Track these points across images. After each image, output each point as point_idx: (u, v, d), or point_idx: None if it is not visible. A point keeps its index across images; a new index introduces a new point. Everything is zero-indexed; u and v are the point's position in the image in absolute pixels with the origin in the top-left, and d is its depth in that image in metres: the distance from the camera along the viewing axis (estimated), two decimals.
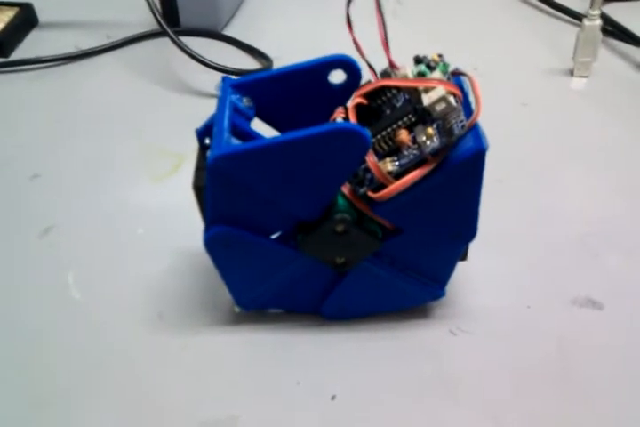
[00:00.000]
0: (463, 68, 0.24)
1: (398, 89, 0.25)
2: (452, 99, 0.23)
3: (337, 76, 0.28)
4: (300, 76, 0.27)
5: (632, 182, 0.37)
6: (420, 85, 0.24)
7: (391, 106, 0.25)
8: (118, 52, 0.48)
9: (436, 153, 0.23)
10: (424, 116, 0.24)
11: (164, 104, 0.44)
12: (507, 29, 0.51)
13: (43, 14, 0.51)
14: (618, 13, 0.48)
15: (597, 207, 0.36)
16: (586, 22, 0.43)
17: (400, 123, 0.24)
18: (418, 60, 0.26)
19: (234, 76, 0.28)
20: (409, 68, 0.25)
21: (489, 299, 0.31)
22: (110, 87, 0.45)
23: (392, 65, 0.26)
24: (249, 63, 0.47)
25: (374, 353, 0.29)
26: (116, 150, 0.40)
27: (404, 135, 0.24)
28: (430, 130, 0.23)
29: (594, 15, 0.42)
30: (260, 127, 0.28)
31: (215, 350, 0.29)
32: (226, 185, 0.24)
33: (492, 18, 0.52)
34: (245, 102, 0.27)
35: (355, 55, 0.27)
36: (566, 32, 0.48)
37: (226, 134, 0.25)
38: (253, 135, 0.27)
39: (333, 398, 0.27)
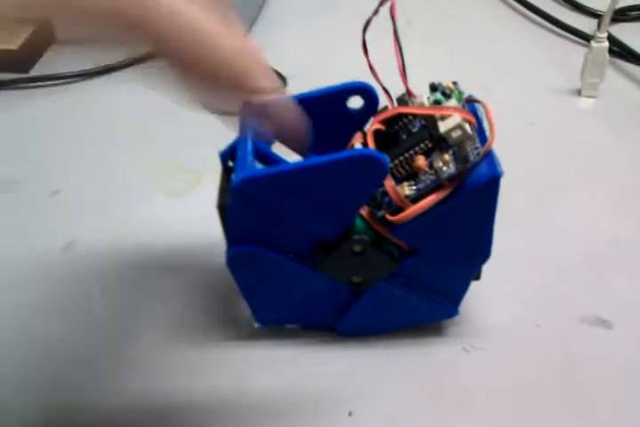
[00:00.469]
0: (474, 91, 0.25)
1: (414, 115, 0.26)
2: (467, 126, 0.24)
3: (355, 102, 0.29)
4: (320, 102, 0.28)
5: (639, 200, 0.38)
6: (437, 113, 0.25)
7: (407, 131, 0.26)
8: (138, 67, 0.49)
9: (452, 179, 0.24)
10: (440, 142, 0.25)
11: (182, 121, 0.44)
12: (515, 49, 0.52)
13: (61, 30, 0.52)
14: (625, 34, 0.49)
15: (605, 226, 0.36)
16: (593, 44, 0.44)
17: (417, 149, 0.25)
18: (433, 88, 0.27)
19: None
20: (425, 96, 0.26)
21: (500, 317, 0.31)
22: (129, 103, 0.46)
23: (409, 93, 0.26)
24: None
25: (390, 370, 0.29)
26: (135, 166, 0.41)
27: (421, 161, 0.25)
28: (447, 156, 0.24)
29: (601, 37, 0.43)
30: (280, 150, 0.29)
31: (234, 365, 0.30)
32: (249, 206, 0.25)
33: (501, 38, 0.53)
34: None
35: (369, 78, 0.28)
36: (575, 52, 0.49)
37: (250, 158, 0.26)
38: (274, 158, 0.28)
39: (350, 414, 0.28)
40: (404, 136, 0.26)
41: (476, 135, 0.25)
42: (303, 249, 0.27)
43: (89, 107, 0.46)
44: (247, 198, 0.25)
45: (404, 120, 0.27)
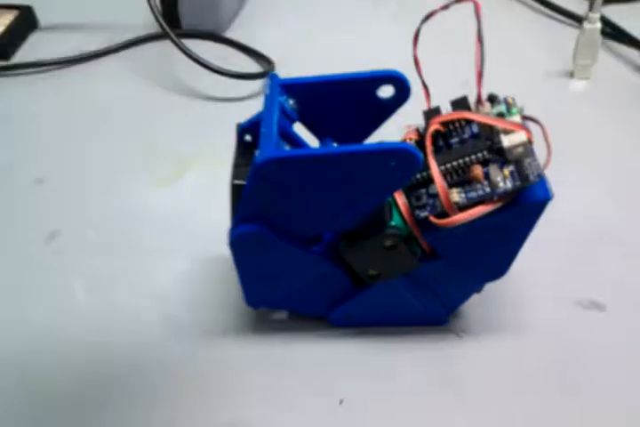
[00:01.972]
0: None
1: (467, 121, 0.25)
2: (530, 146, 0.24)
3: (385, 91, 0.28)
4: (349, 86, 0.28)
5: (633, 183, 0.37)
6: (502, 126, 0.24)
7: (458, 136, 0.26)
8: (120, 54, 0.48)
9: (505, 194, 0.24)
10: (497, 155, 0.24)
11: (167, 107, 0.44)
12: (507, 32, 0.51)
13: (43, 17, 0.51)
14: (617, 15, 0.48)
15: (599, 209, 0.36)
16: (586, 25, 0.43)
17: (473, 157, 0.25)
18: (492, 99, 0.26)
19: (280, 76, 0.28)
20: (489, 106, 0.26)
21: (493, 301, 0.31)
22: (112, 90, 0.45)
23: (480, 100, 0.26)
24: (250, 66, 0.47)
25: (381, 357, 0.29)
26: (120, 154, 0.40)
27: (478, 170, 0.24)
28: (506, 172, 0.24)
29: (593, 18, 0.43)
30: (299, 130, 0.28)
31: (223, 355, 0.29)
32: (268, 187, 0.24)
33: (493, 20, 0.52)
34: (292, 104, 0.27)
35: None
36: (567, 34, 0.48)
37: (275, 137, 0.25)
38: (296, 139, 0.27)
39: (341, 401, 0.27)
40: (453, 140, 0.25)
41: (536, 155, 0.24)
42: (311, 235, 0.27)
43: (72, 94, 0.45)
44: (268, 178, 0.23)
45: (457, 124, 0.26)
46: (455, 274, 0.27)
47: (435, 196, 0.25)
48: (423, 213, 0.25)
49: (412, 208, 0.25)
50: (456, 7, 0.29)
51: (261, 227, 0.25)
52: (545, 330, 0.30)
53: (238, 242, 0.26)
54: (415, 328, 0.30)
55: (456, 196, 0.24)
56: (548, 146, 0.24)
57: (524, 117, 0.26)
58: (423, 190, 0.25)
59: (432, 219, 0.25)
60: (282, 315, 0.31)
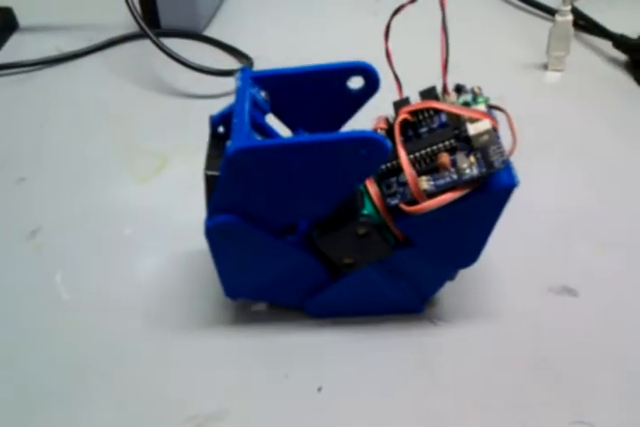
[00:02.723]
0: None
1: (436, 111, 0.26)
2: (494, 133, 0.25)
3: (354, 82, 0.29)
4: (319, 78, 0.28)
5: (606, 173, 0.38)
6: (467, 115, 0.25)
7: (427, 126, 0.26)
8: (100, 54, 0.49)
9: (471, 181, 0.25)
10: (464, 143, 0.25)
11: (147, 105, 0.44)
12: (481, 25, 0.52)
13: (23, 18, 0.51)
14: (589, 8, 0.49)
15: (572, 198, 0.37)
16: (558, 17, 0.44)
17: (441, 146, 0.25)
18: (459, 89, 0.27)
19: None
20: (455, 95, 0.26)
21: (467, 288, 0.31)
22: (93, 89, 0.46)
23: (446, 90, 0.26)
24: (230, 63, 0.48)
25: (358, 344, 0.30)
26: (101, 152, 0.40)
27: (445, 158, 0.25)
28: (472, 159, 0.25)
29: (565, 10, 0.43)
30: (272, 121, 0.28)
31: (204, 347, 0.30)
32: (240, 177, 0.24)
33: (467, 14, 0.53)
34: (263, 96, 0.28)
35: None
36: (540, 27, 0.49)
37: (247, 127, 0.25)
38: (268, 130, 0.28)
39: (320, 389, 0.28)
40: (423, 129, 0.26)
41: (501, 143, 0.25)
42: (285, 226, 0.27)
43: (53, 94, 0.45)
44: (240, 168, 0.24)
45: (425, 114, 0.26)
46: (428, 261, 0.28)
47: (404, 184, 0.25)
48: (394, 201, 0.25)
49: (384, 196, 0.26)
50: (429, 1, 0.30)
51: (235, 217, 0.26)
52: (518, 316, 0.30)
53: (213, 232, 0.26)
54: (391, 317, 0.30)
55: (425, 183, 0.25)
56: (514, 133, 0.25)
57: (490, 106, 0.26)
58: (394, 179, 0.26)
59: (402, 206, 0.25)
60: (261, 306, 0.31)
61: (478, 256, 0.28)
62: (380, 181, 0.26)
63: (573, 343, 0.29)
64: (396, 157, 0.25)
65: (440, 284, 0.30)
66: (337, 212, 0.26)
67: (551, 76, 0.46)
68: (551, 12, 0.50)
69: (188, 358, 0.29)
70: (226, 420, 0.27)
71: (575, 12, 0.46)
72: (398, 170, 0.26)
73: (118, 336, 0.30)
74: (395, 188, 0.26)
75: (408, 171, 0.25)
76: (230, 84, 0.46)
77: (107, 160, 0.40)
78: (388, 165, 0.26)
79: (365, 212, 0.26)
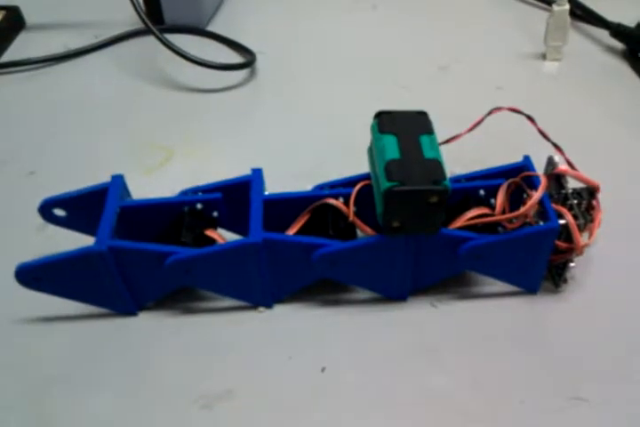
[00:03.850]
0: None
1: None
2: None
3: None
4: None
5: (604, 161, 0.39)
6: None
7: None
8: (106, 50, 0.50)
9: None
10: None
11: (152, 99, 0.45)
12: (479, 16, 0.53)
13: (30, 16, 0.52)
14: None
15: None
16: (555, 7, 0.44)
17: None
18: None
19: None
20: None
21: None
22: (99, 85, 0.47)
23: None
24: (233, 58, 0.49)
25: (360, 327, 0.30)
26: (108, 146, 0.41)
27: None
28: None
29: (562, 0, 0.44)
30: None
31: (209, 329, 0.31)
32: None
33: (466, 6, 0.54)
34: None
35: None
36: (537, 17, 0.50)
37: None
38: None
39: (323, 369, 0.29)
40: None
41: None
42: None
43: (60, 90, 0.46)
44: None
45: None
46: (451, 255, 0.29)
47: None
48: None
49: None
50: None
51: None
52: (515, 299, 0.31)
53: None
54: (392, 300, 0.31)
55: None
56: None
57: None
58: None
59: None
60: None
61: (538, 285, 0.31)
62: None
63: (566, 325, 0.30)
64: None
65: (441, 278, 0.31)
66: (418, 174, 0.26)
67: (549, 66, 0.47)
68: (548, 2, 0.50)
69: (194, 341, 0.30)
70: (232, 400, 0.28)
71: (572, 1, 0.47)
72: None
73: (126, 319, 0.31)
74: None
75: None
76: (233, 77, 0.47)
77: (113, 153, 0.41)
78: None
79: (446, 184, 0.26)
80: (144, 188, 0.38)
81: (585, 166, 0.39)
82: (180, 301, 0.32)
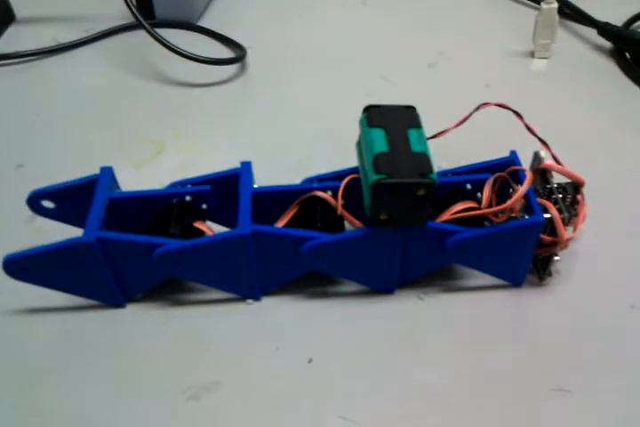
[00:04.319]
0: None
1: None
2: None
3: None
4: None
5: (591, 157, 0.39)
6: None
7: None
8: (96, 44, 0.50)
9: None
10: None
11: (142, 94, 0.45)
12: (469, 14, 0.53)
13: (19, 10, 0.52)
14: None
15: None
16: (543, 6, 0.45)
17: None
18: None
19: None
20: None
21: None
22: (89, 79, 0.46)
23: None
24: (224, 53, 0.49)
25: (347, 319, 0.31)
26: (98, 139, 0.41)
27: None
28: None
29: None
30: None
31: (197, 321, 0.31)
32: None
33: (455, 4, 0.54)
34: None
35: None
36: (526, 15, 0.50)
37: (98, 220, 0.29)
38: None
39: (310, 360, 0.29)
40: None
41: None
42: None
43: (50, 84, 0.46)
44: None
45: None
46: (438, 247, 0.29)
47: None
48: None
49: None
50: None
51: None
52: (500, 291, 0.32)
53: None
54: (379, 292, 0.32)
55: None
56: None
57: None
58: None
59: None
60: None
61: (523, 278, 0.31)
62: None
63: (554, 316, 0.31)
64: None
65: (428, 271, 0.31)
66: (406, 167, 0.27)
67: (537, 64, 0.47)
68: (537, 0, 0.51)
69: (182, 332, 0.30)
70: (219, 390, 0.28)
71: (561, 0, 0.47)
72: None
73: (115, 310, 0.31)
74: None
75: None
76: (224, 72, 0.47)
77: (103, 147, 0.41)
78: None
79: (433, 177, 0.27)
80: (134, 181, 0.38)
81: (571, 162, 0.39)
82: (169, 293, 0.32)
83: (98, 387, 0.28)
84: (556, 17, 0.45)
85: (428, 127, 0.30)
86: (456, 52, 0.48)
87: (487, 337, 0.30)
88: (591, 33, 0.49)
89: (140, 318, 0.31)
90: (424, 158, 0.27)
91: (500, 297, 0.31)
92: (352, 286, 0.32)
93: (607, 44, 0.48)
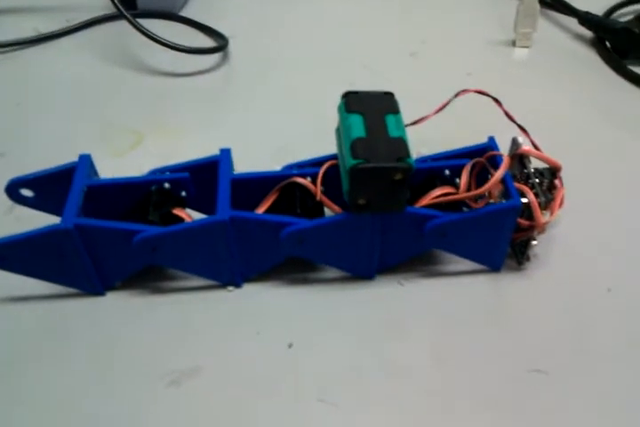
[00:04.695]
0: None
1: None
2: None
3: None
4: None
5: (570, 145, 0.39)
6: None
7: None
8: (78, 35, 0.50)
9: None
10: None
11: (124, 84, 0.45)
12: (451, 3, 0.53)
13: (0, 0, 0.52)
14: None
15: None
16: None
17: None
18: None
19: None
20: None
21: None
22: (70, 69, 0.46)
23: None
24: (206, 43, 0.49)
25: (328, 304, 0.31)
26: (78, 129, 0.41)
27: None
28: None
29: None
30: None
31: (177, 308, 0.31)
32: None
33: None
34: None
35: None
36: (507, 4, 0.50)
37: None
38: None
39: (290, 345, 0.29)
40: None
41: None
42: None
43: (31, 74, 0.46)
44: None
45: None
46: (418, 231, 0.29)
47: None
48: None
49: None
50: None
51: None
52: (476, 275, 0.32)
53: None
54: (359, 278, 0.32)
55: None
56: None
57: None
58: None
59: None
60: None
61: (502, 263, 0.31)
62: None
63: (532, 300, 0.31)
64: None
65: (408, 256, 0.31)
66: (383, 152, 0.27)
67: (519, 53, 0.47)
68: None
69: (163, 318, 0.30)
70: (200, 375, 0.28)
71: None
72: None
73: (96, 298, 0.31)
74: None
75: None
76: (206, 62, 0.47)
77: (84, 136, 0.41)
78: None
79: (410, 161, 0.27)
80: (114, 170, 0.38)
81: (551, 149, 0.39)
82: (149, 280, 0.32)
83: (79, 374, 0.28)
84: (538, 6, 0.45)
85: (410, 115, 0.30)
86: (438, 41, 0.49)
87: (466, 321, 0.30)
88: (572, 22, 0.49)
89: (119, 306, 0.31)
90: (401, 143, 0.27)
91: (479, 282, 0.32)
92: (333, 273, 0.32)
93: (588, 34, 0.49)
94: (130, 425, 0.27)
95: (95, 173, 0.32)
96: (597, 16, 0.48)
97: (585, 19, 0.48)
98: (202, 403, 0.27)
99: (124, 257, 0.29)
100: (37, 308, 0.31)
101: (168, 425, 0.27)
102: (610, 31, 0.46)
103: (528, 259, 0.31)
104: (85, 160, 0.31)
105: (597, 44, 0.48)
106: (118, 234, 0.28)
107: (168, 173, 0.31)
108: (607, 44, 0.47)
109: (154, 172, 0.32)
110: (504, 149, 0.32)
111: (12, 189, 0.31)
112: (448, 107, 0.31)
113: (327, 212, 0.31)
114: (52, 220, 0.31)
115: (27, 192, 0.32)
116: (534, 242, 0.30)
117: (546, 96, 0.44)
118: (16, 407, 0.27)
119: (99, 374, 0.28)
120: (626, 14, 0.50)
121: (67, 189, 0.30)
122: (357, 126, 0.28)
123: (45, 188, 0.31)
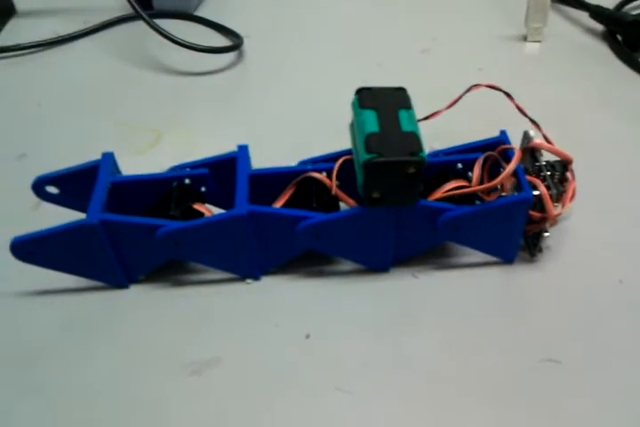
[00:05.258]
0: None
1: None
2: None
3: None
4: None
5: (582, 138, 0.40)
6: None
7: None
8: (95, 36, 0.51)
9: None
10: None
11: (141, 83, 0.46)
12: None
13: (20, 3, 0.53)
14: None
15: None
16: None
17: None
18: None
19: None
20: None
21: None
22: (89, 70, 0.47)
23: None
24: (221, 42, 0.49)
25: (343, 297, 0.32)
26: (98, 128, 0.42)
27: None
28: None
29: None
30: None
31: (198, 300, 0.32)
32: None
33: None
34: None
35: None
36: None
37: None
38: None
39: (308, 336, 0.30)
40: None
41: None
42: None
43: (50, 75, 0.47)
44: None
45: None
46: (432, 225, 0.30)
47: None
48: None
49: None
50: None
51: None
52: (489, 267, 0.33)
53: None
54: (374, 271, 0.32)
55: None
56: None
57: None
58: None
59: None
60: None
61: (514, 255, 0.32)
62: None
63: (544, 291, 0.31)
64: None
65: (422, 249, 0.32)
66: (396, 146, 0.27)
67: (530, 47, 0.48)
68: None
69: (185, 310, 0.31)
70: (220, 366, 0.29)
71: None
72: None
73: (118, 290, 0.32)
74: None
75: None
76: (222, 61, 0.48)
77: (104, 135, 0.42)
78: None
79: (423, 155, 0.27)
80: (134, 168, 0.39)
81: (563, 142, 0.40)
82: (170, 274, 0.33)
83: (102, 364, 0.29)
84: (548, 0, 0.45)
85: (423, 111, 0.31)
86: (449, 38, 0.49)
87: (480, 312, 0.31)
88: (583, 16, 0.50)
89: (143, 298, 0.32)
90: (414, 138, 0.28)
91: (492, 273, 0.32)
92: (348, 265, 0.33)
93: (599, 27, 0.49)
94: (154, 413, 0.28)
95: (118, 170, 0.33)
96: (608, 9, 0.48)
97: (596, 12, 0.48)
98: (222, 392, 0.28)
99: (147, 251, 0.30)
100: (63, 300, 0.32)
101: (190, 413, 0.28)
102: (621, 24, 0.47)
103: (540, 251, 0.32)
104: (109, 158, 0.32)
105: (608, 37, 0.48)
106: (141, 229, 0.29)
107: (188, 169, 0.32)
108: (618, 37, 0.47)
109: (173, 168, 0.33)
110: (516, 142, 0.33)
111: (38, 187, 0.32)
112: (460, 102, 0.31)
113: (342, 206, 0.31)
114: (76, 215, 0.32)
115: (52, 189, 0.33)
116: (546, 234, 0.31)
117: (557, 90, 0.44)
118: (42, 398, 0.28)
119: (121, 363, 0.29)
120: (637, 7, 0.50)
121: (90, 185, 0.31)
122: (371, 121, 0.29)
123: (70, 185, 0.32)
